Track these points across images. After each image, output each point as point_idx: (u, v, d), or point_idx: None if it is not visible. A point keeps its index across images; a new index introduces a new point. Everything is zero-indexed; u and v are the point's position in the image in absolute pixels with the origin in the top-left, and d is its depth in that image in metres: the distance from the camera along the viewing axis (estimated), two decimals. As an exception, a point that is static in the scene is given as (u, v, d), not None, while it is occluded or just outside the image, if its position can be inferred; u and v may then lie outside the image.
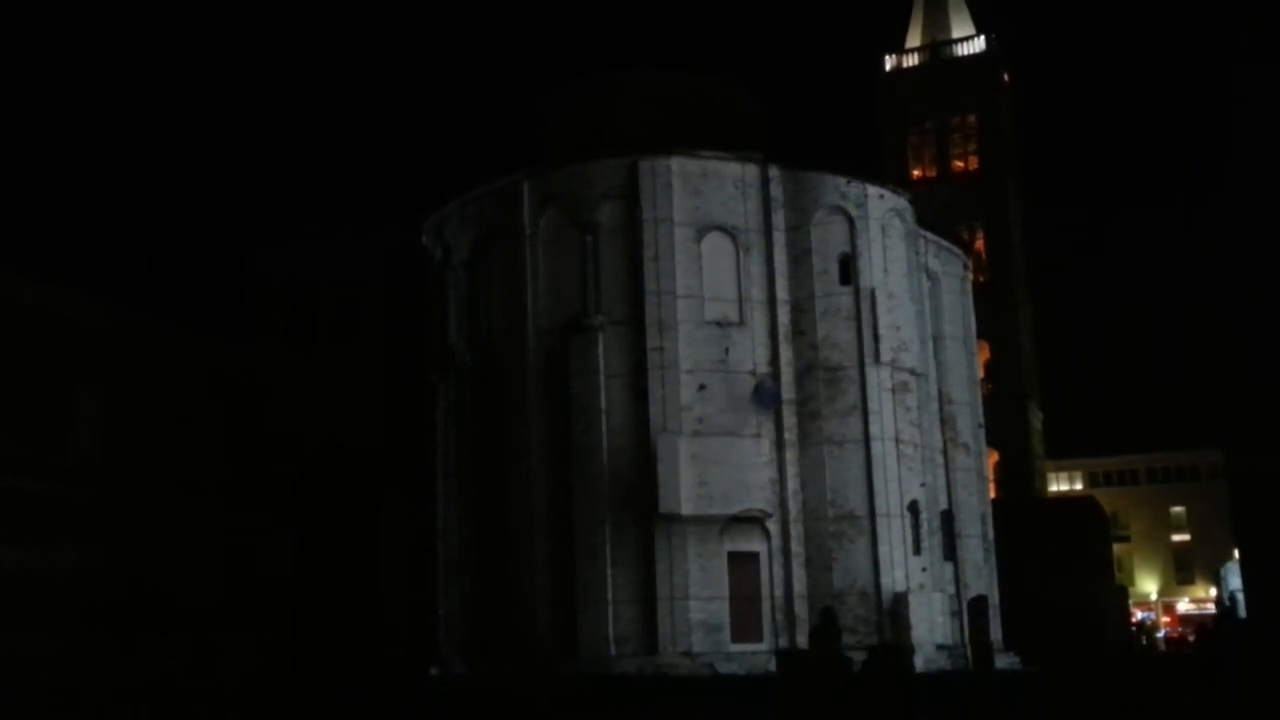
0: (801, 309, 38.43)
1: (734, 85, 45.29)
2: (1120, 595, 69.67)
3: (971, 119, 79.29)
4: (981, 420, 45.95)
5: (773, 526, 37.10)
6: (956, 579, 40.70)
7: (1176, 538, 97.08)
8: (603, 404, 36.97)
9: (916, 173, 79.31)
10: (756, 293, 38.36)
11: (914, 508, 38.44)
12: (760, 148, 41.33)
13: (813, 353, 38.10)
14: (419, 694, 31.28)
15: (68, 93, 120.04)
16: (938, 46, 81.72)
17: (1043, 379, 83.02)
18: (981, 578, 42.82)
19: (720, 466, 36.68)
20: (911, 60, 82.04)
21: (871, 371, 37.91)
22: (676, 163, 38.31)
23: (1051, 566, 52.15)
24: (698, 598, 35.82)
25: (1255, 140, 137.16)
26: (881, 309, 38.48)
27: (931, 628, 38.09)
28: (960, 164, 79.20)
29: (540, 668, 35.39)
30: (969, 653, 39.92)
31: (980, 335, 49.99)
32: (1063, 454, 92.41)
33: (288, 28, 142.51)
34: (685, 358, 37.15)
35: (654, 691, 29.06)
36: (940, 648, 38.05)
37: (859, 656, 35.30)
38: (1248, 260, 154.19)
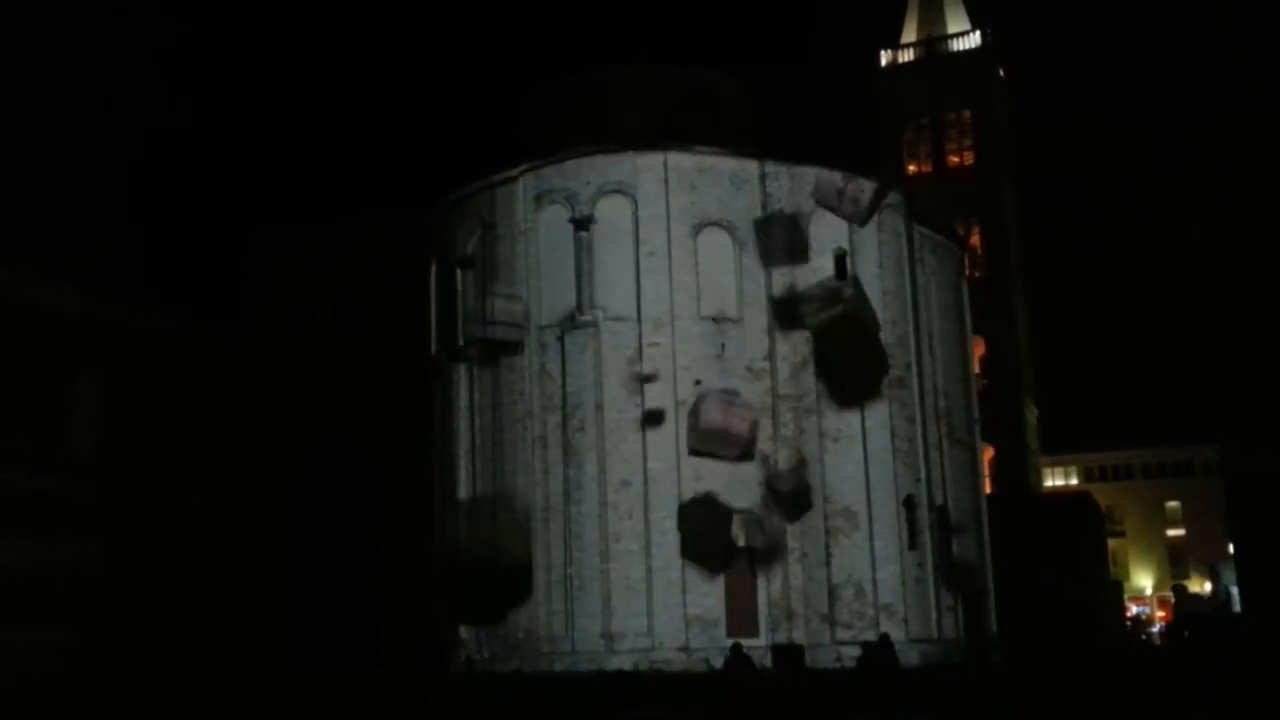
0: (797, 304, 38.57)
1: (731, 81, 45.36)
2: (1115, 590, 69.86)
3: (967, 114, 79.30)
4: (977, 415, 46.12)
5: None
6: (952, 574, 40.81)
7: (1171, 533, 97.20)
8: (599, 399, 37.09)
9: (912, 168, 79.36)
10: (753, 288, 38.49)
11: (909, 503, 38.63)
12: (757, 143, 41.48)
13: (808, 348, 38.22)
14: (419, 686, 31.41)
15: (67, 88, 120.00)
16: (933, 42, 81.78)
17: (1038, 374, 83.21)
18: (977, 573, 42.98)
19: (716, 461, 36.80)
20: (907, 56, 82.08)
21: (867, 367, 38.10)
22: (673, 158, 38.43)
23: (1047, 562, 52.29)
24: (694, 593, 35.95)
25: (1253, 132, 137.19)
26: (877, 304, 38.67)
27: (927, 623, 38.30)
28: (956, 159, 79.24)
29: (538, 662, 35.52)
30: (964, 648, 40.08)
31: (976, 330, 50.16)
32: (1058, 449, 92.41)
33: (288, 24, 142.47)
34: (682, 353, 37.27)
35: (650, 686, 29.21)
36: (935, 642, 38.24)
37: (853, 651, 35.45)
38: (1244, 256, 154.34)
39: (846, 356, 37.82)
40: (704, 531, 36.27)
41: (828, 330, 37.83)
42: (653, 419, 36.61)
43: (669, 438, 36.64)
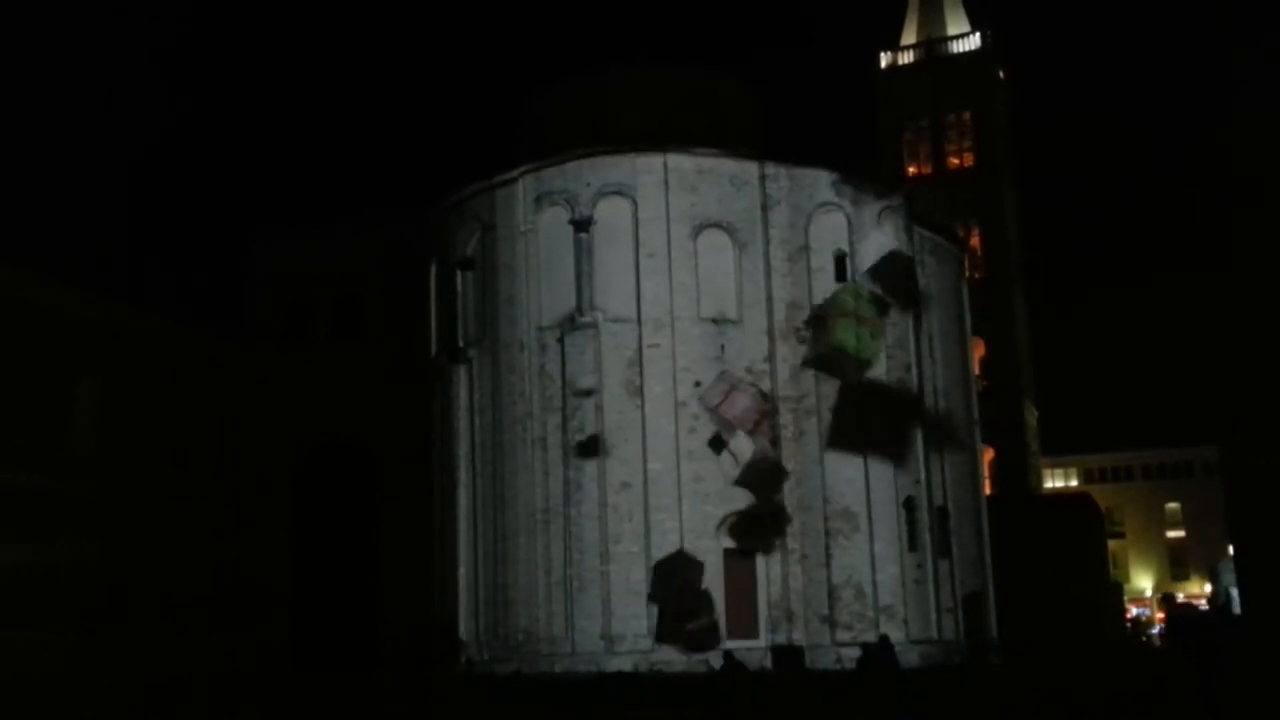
0: (797, 306, 38.57)
1: (731, 81, 45.36)
2: (1115, 591, 69.84)
3: (967, 116, 79.50)
4: (976, 417, 46.10)
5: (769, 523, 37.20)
6: (952, 576, 40.82)
7: (1171, 534, 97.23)
8: (599, 401, 37.08)
9: (912, 169, 79.49)
10: (753, 290, 38.48)
11: (909, 504, 38.61)
12: (758, 144, 41.48)
13: (808, 350, 38.21)
14: (419, 687, 31.42)
15: (67, 88, 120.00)
16: (933, 44, 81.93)
17: (1038, 375, 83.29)
18: (977, 575, 42.97)
19: (716, 463, 36.77)
20: (907, 58, 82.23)
21: (867, 368, 38.06)
22: (673, 159, 38.43)
23: (1047, 563, 52.27)
24: (694, 594, 35.90)
25: (1253, 133, 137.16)
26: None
27: (926, 624, 38.29)
28: (956, 160, 79.38)
29: (538, 663, 35.52)
30: (963, 649, 40.07)
31: (975, 332, 50.15)
32: (1058, 450, 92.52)
33: (288, 24, 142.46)
34: (681, 355, 37.27)
35: (650, 687, 29.20)
36: (935, 644, 38.22)
37: (852, 653, 35.45)
38: (1244, 256, 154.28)
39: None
40: (704, 532, 36.29)
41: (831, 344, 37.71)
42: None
43: (668, 439, 36.65)
